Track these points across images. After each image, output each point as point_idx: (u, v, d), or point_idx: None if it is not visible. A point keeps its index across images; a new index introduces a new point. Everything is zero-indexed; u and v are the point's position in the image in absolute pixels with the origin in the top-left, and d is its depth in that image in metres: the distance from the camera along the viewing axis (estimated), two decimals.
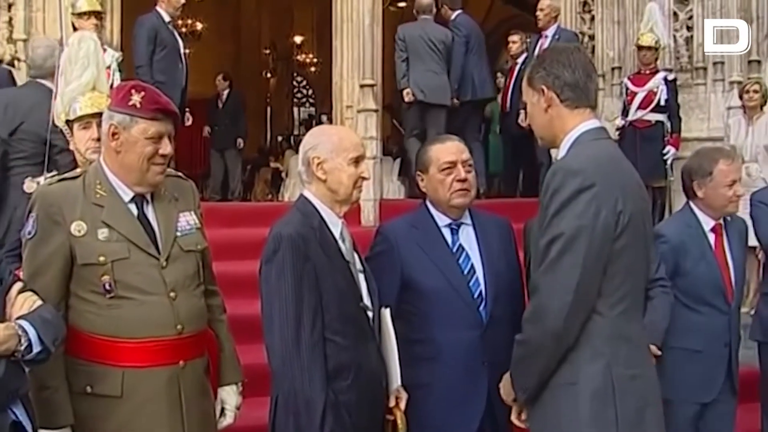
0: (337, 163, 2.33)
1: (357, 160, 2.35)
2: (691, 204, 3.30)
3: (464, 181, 2.60)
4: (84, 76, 3.02)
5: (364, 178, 2.37)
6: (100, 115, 2.67)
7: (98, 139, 2.65)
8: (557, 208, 1.90)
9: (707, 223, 3.25)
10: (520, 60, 7.36)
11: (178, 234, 2.31)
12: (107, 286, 2.15)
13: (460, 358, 2.53)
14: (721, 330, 3.20)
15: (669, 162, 6.10)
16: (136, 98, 2.19)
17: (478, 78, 6.99)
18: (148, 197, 2.30)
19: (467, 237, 2.65)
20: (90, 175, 2.27)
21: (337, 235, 2.35)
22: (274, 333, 2.22)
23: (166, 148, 2.24)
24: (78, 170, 2.36)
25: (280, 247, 2.23)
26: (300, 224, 2.29)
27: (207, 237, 2.43)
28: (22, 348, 1.83)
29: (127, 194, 2.26)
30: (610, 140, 2.10)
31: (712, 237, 3.25)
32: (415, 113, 6.80)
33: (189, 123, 6.77)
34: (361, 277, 2.40)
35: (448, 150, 2.63)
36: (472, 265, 2.60)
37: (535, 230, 2.01)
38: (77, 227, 2.16)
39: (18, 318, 1.89)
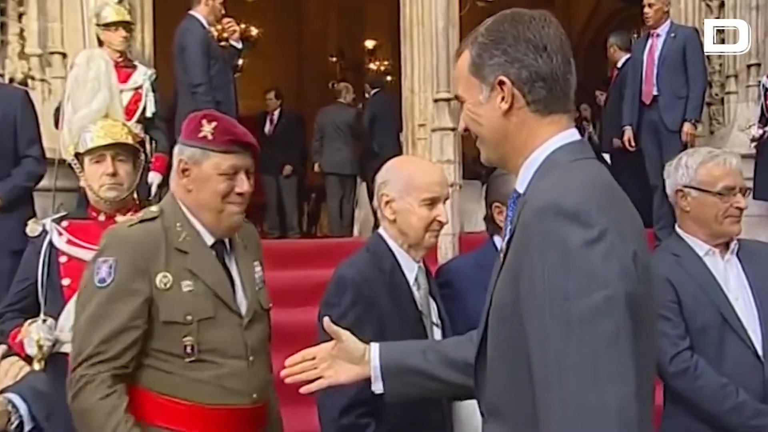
0: (406, 203, 2.36)
1: (432, 202, 2.37)
2: None
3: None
4: (95, 101, 3.01)
5: (440, 223, 2.39)
6: (114, 146, 2.81)
7: (114, 174, 2.78)
8: (553, 270, 1.37)
9: None
10: (620, 64, 7.38)
11: (257, 289, 2.39)
12: (188, 349, 2.21)
13: None
14: None
15: None
16: (207, 129, 2.24)
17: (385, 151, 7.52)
18: (227, 244, 2.37)
19: None
20: (167, 215, 2.30)
21: (411, 280, 2.38)
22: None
23: (243, 184, 2.28)
24: (153, 209, 2.36)
25: (345, 292, 2.26)
26: (367, 266, 2.34)
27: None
28: (12, 427, 1.77)
29: (209, 239, 2.32)
30: (595, 160, 1.60)
31: None
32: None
33: None
34: (437, 332, 2.39)
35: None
36: None
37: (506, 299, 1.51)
38: (163, 279, 2.20)
39: (5, 390, 1.84)
